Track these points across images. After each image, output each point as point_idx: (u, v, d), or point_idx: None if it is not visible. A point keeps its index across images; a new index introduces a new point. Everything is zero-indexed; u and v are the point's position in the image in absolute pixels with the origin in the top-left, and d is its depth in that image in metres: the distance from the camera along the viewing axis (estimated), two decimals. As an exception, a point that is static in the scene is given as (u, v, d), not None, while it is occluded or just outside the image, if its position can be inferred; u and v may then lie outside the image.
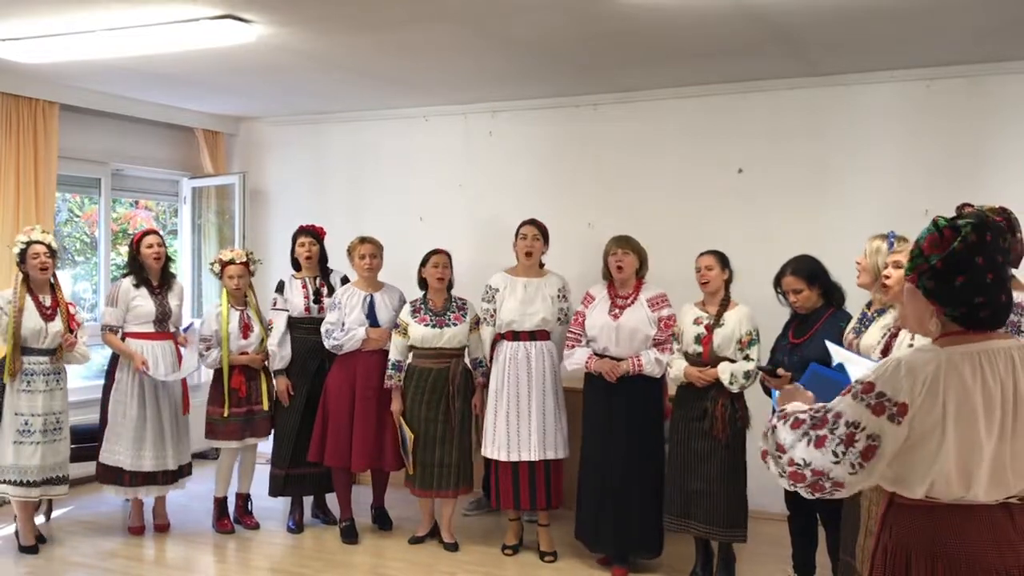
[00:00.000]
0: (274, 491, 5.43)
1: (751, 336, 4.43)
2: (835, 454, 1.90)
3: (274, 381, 5.38)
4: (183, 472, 5.31)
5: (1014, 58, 5.06)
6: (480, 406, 5.07)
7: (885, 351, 3.31)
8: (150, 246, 5.20)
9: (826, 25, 4.45)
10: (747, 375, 4.37)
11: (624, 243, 4.77)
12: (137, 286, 5.18)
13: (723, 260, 4.56)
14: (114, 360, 5.25)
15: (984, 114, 5.23)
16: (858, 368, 2.78)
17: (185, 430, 5.34)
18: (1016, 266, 2.82)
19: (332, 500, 5.52)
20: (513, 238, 5.12)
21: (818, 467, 1.92)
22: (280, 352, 5.31)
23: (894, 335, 3.32)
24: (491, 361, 5.07)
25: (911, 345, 3.19)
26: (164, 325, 5.23)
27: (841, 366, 2.81)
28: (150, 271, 5.23)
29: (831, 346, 3.10)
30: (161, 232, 5.48)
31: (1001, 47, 4.87)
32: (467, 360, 5.13)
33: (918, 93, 5.38)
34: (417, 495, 5.12)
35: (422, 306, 5.12)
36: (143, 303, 5.16)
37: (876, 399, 1.89)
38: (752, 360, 4.39)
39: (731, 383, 4.37)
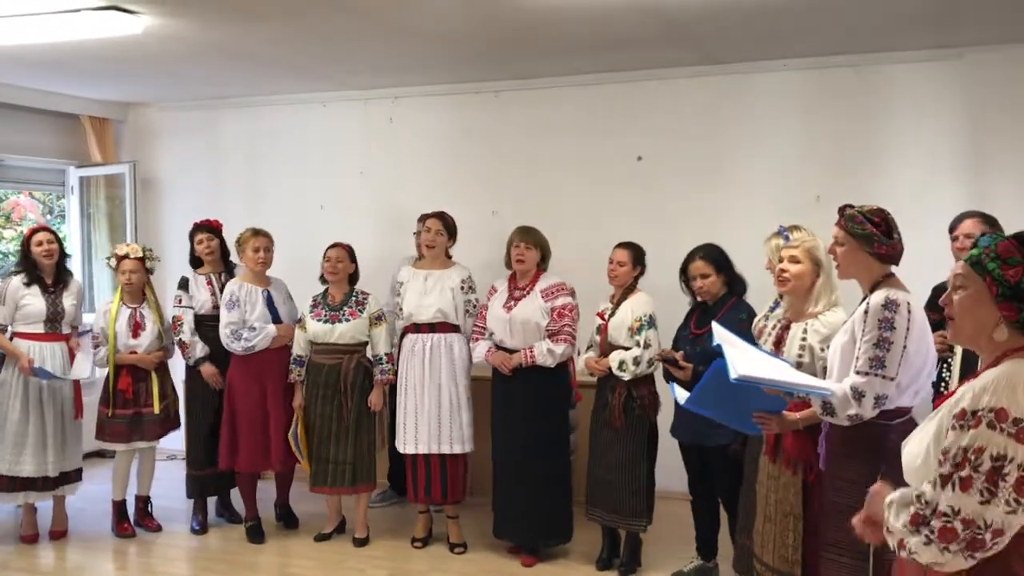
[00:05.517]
0: (192, 493, 5.33)
1: (640, 322, 4.41)
2: (982, 493, 1.76)
3: (200, 370, 5.15)
4: (67, 479, 5.10)
5: (902, 48, 5.23)
6: (377, 403, 4.97)
7: (777, 343, 3.42)
8: (40, 243, 5.01)
9: (719, 19, 4.53)
10: (636, 361, 4.36)
11: (527, 235, 4.76)
12: (28, 284, 4.99)
13: (637, 256, 4.56)
14: (0, 360, 5.04)
15: (874, 102, 5.40)
16: (740, 353, 2.84)
17: (74, 436, 5.14)
18: (896, 264, 2.93)
19: (236, 497, 5.42)
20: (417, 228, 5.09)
21: (968, 514, 1.77)
22: (198, 343, 5.14)
23: (786, 327, 3.43)
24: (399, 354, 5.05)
25: (803, 340, 3.32)
26: (55, 326, 5.03)
27: (719, 346, 2.84)
28: (43, 269, 5.03)
29: (716, 327, 3.05)
30: (53, 228, 5.24)
31: (890, 39, 5.04)
32: (370, 355, 5.05)
33: (811, 81, 5.52)
34: (312, 491, 5.06)
35: (321, 300, 5.04)
36: (33, 302, 4.97)
37: (1015, 426, 1.77)
38: (643, 347, 4.37)
39: (621, 370, 4.39)
